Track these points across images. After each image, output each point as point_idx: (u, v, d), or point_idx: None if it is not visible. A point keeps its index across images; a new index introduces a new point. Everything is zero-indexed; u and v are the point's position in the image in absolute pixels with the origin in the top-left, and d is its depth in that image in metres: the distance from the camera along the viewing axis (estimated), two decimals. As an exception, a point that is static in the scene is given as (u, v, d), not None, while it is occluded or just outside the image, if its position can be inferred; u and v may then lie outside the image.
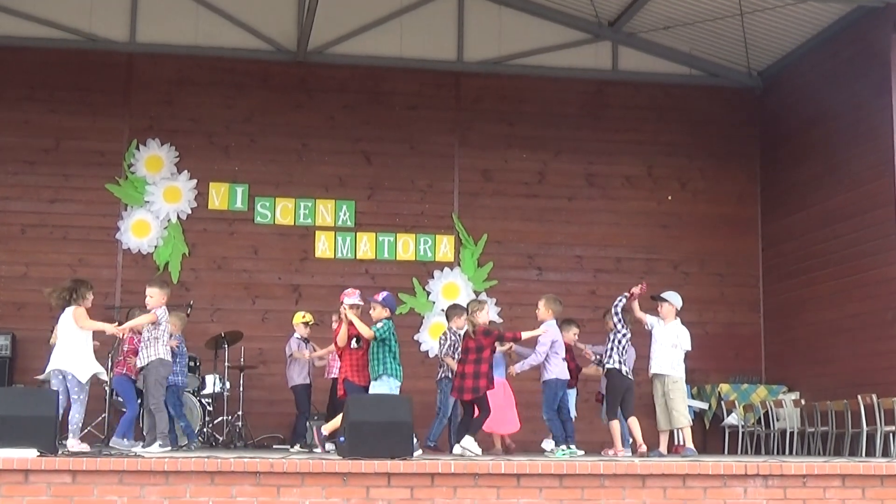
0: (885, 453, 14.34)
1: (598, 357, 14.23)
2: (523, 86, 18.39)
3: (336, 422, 12.24)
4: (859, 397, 14.62)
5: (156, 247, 17.20)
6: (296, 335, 14.81)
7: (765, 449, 16.56)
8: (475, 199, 18.05)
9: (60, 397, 11.48)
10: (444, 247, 17.84)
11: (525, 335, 13.01)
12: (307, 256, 17.54)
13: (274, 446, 15.45)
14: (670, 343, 13.25)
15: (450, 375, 13.87)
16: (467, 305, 13.39)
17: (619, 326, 13.23)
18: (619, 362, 13.14)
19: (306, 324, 14.69)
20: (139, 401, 13.83)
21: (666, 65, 18.66)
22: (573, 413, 13.84)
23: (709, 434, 17.52)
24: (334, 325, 13.75)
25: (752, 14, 16.64)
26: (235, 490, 9.55)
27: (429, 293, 17.66)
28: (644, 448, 12.99)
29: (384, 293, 12.60)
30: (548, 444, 13.59)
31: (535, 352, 13.14)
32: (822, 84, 16.97)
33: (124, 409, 13.54)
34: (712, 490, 10.09)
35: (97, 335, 12.30)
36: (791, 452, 15.79)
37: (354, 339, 12.53)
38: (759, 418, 16.68)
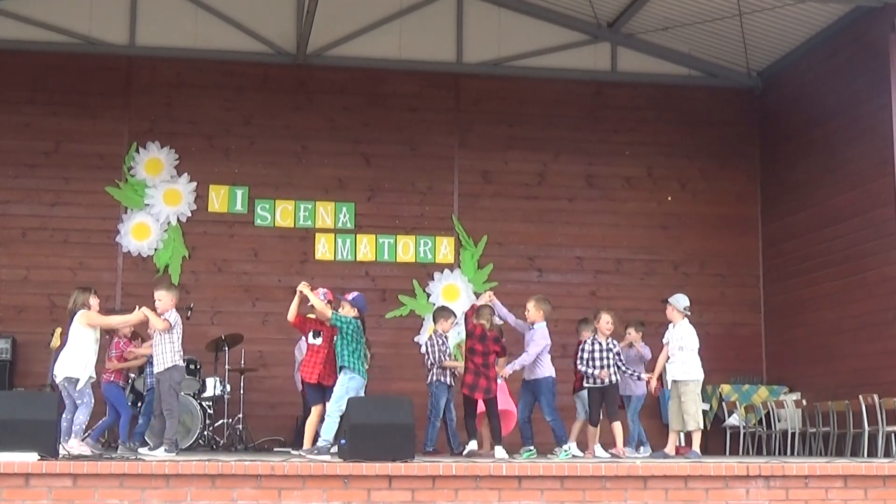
0: (888, 453, 14.33)
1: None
2: (523, 87, 18.39)
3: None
4: (861, 397, 14.61)
5: (156, 249, 17.19)
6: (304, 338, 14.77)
7: (766, 450, 16.54)
8: (475, 200, 18.05)
9: (66, 402, 11.56)
10: (445, 248, 17.83)
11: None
12: (307, 259, 17.53)
13: (275, 449, 15.44)
14: (677, 346, 13.22)
15: (442, 379, 13.93)
16: (479, 311, 13.37)
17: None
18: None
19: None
20: (138, 404, 13.88)
21: (665, 65, 18.66)
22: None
23: (710, 435, 17.45)
24: None
25: (751, 14, 16.64)
26: (236, 493, 9.56)
27: (429, 295, 17.65)
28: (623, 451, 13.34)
29: (355, 293, 12.66)
30: (570, 447, 13.63)
31: (525, 352, 13.20)
32: (822, 84, 16.97)
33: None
34: (714, 491, 10.10)
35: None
36: (793, 453, 15.78)
37: (312, 333, 12.70)
38: (761, 419, 16.67)
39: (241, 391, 15.78)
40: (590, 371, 13.37)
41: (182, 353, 12.15)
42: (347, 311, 12.42)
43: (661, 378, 13.80)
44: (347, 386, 12.06)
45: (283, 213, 17.55)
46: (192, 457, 11.23)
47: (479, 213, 18.00)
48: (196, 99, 17.65)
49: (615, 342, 13.62)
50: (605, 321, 13.59)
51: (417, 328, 17.50)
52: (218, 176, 17.52)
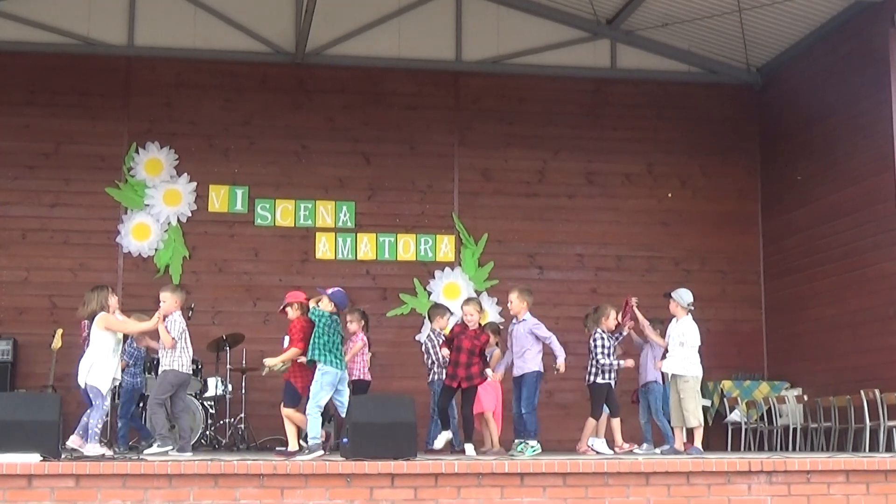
0: (889, 448, 14.32)
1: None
2: (522, 85, 18.39)
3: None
4: (862, 392, 14.61)
5: (156, 250, 17.20)
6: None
7: (768, 445, 16.55)
8: (475, 198, 18.05)
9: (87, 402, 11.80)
10: (445, 247, 17.84)
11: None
12: (308, 258, 17.54)
13: (277, 448, 15.44)
14: (677, 341, 13.21)
15: (443, 377, 13.92)
16: (467, 303, 13.37)
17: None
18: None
19: None
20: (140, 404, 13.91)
21: (665, 62, 18.66)
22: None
23: (712, 431, 17.43)
24: (350, 327, 13.74)
25: (751, 10, 16.65)
26: (239, 493, 9.56)
27: (430, 293, 17.65)
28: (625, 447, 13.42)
29: (335, 288, 12.55)
30: (593, 441, 13.65)
31: (552, 340, 13.14)
32: (821, 80, 16.97)
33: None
34: (716, 487, 10.11)
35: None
36: (794, 448, 15.79)
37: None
38: (762, 415, 16.68)
39: (243, 391, 15.80)
40: (606, 363, 13.33)
41: (183, 360, 12.14)
42: (325, 305, 12.26)
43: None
44: (321, 381, 11.95)
45: (283, 213, 17.55)
46: (194, 457, 11.23)
47: (479, 211, 18.00)
48: (195, 99, 17.66)
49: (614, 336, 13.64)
50: (613, 316, 13.60)
51: (418, 326, 17.50)
52: (218, 176, 17.52)
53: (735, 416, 16.98)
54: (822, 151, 16.86)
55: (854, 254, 15.98)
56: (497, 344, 14.18)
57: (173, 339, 12.01)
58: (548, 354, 13.31)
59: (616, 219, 18.29)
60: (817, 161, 17.00)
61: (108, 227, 17.17)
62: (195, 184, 17.42)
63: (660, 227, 18.36)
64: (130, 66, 17.63)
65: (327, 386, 11.94)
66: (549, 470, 9.94)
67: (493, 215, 18.00)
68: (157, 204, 17.30)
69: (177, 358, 12.07)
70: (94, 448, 11.37)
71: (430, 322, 14.48)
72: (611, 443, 13.81)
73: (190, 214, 17.38)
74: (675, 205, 18.46)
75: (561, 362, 13.04)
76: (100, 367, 11.71)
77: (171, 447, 11.68)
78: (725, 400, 17.18)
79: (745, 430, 16.89)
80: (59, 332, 15.02)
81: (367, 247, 17.64)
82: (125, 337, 12.46)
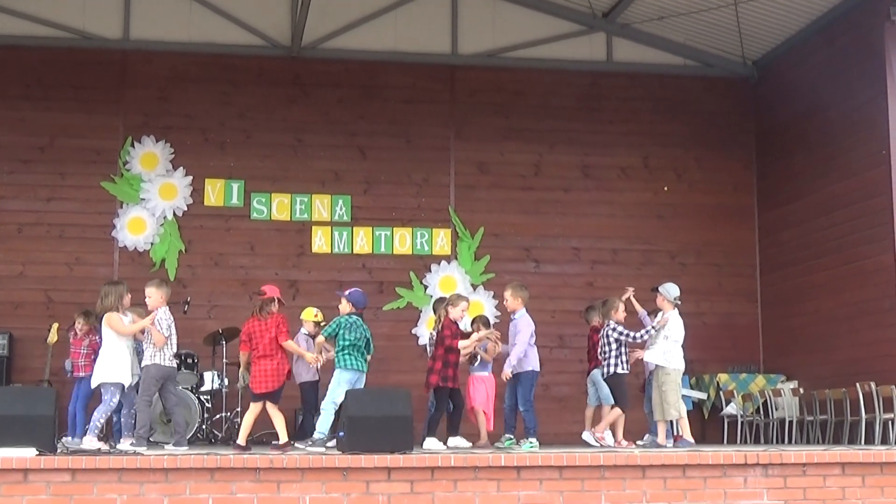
0: (885, 441, 14.34)
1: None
2: (518, 78, 18.38)
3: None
4: (858, 385, 14.63)
5: (152, 244, 17.18)
6: (303, 331, 14.74)
7: (764, 438, 16.56)
8: (471, 192, 18.04)
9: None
10: (441, 240, 17.83)
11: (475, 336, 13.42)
12: (304, 252, 17.53)
13: (273, 442, 15.41)
14: (662, 334, 13.27)
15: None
16: (448, 298, 13.45)
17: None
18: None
19: (318, 323, 14.52)
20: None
21: (660, 55, 18.65)
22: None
23: (707, 424, 17.52)
24: None
25: (746, 3, 16.64)
26: (235, 486, 9.56)
27: (426, 287, 17.65)
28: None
29: (352, 289, 12.70)
30: (586, 435, 13.70)
31: (515, 343, 13.14)
32: (817, 73, 16.97)
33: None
34: (712, 480, 10.12)
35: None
36: (790, 441, 15.79)
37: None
38: (758, 408, 16.69)
39: (239, 385, 15.76)
40: (618, 357, 13.34)
41: (165, 353, 12.12)
42: (344, 307, 12.49)
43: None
44: (340, 379, 12.16)
45: (279, 207, 17.53)
46: (190, 450, 11.22)
47: (475, 205, 17.99)
48: (191, 92, 17.63)
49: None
50: (622, 308, 13.63)
51: (415, 320, 17.51)
52: (214, 169, 17.50)
53: (731, 409, 17.00)
54: (818, 145, 16.86)
55: (850, 247, 15.98)
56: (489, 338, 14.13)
57: (165, 337, 12.01)
58: (541, 347, 13.36)
59: (612, 212, 18.29)
60: (813, 154, 17.00)
61: (104, 221, 17.15)
62: (191, 177, 17.41)
63: (656, 220, 18.37)
64: (126, 59, 17.59)
65: (345, 383, 12.09)
66: (546, 463, 9.94)
67: (490, 209, 17.99)
68: (152, 198, 17.28)
69: (158, 351, 12.06)
70: (90, 441, 11.39)
71: (436, 315, 14.15)
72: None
73: (186, 208, 17.36)
74: (670, 198, 18.46)
75: (508, 371, 13.12)
76: (109, 364, 11.76)
77: (144, 447, 11.58)
78: (721, 393, 17.19)
79: (742, 423, 16.90)
80: (55, 326, 15.02)
81: (363, 240, 17.63)
82: None
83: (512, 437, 13.00)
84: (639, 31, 18.35)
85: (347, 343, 12.34)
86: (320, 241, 17.55)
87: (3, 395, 10.92)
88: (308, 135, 17.77)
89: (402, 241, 17.73)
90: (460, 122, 18.17)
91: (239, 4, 17.72)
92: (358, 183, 17.79)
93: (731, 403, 17.01)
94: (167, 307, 12.27)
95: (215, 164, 17.51)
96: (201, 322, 16.28)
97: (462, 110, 18.19)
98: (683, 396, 14.10)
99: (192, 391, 15.24)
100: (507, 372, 13.14)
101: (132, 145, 17.33)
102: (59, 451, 10.32)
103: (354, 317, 12.50)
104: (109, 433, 13.76)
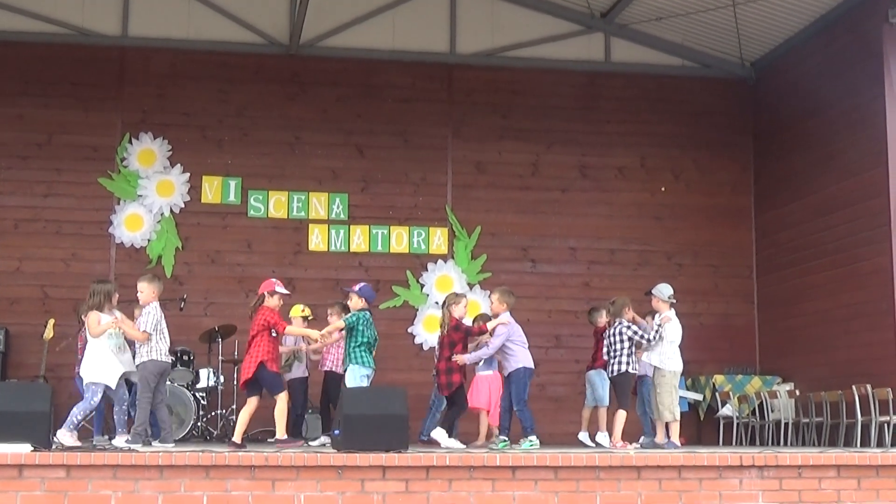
0: (880, 443, 14.35)
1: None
2: (516, 78, 18.37)
3: (243, 423, 12.34)
4: (854, 388, 14.63)
5: (149, 241, 17.17)
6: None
7: (759, 440, 16.56)
8: (468, 191, 18.04)
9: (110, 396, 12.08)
10: (438, 239, 17.82)
11: (490, 325, 13.16)
12: (301, 250, 17.52)
13: (268, 440, 15.42)
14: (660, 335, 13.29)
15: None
16: (445, 299, 13.45)
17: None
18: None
19: (306, 318, 14.57)
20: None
21: (658, 56, 18.65)
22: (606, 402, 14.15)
23: (703, 425, 17.53)
24: (330, 320, 13.79)
25: (745, 4, 16.64)
26: (230, 484, 9.55)
27: (423, 286, 17.64)
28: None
29: (361, 284, 12.75)
30: (583, 435, 13.67)
31: (487, 345, 13.12)
32: (815, 74, 16.97)
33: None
34: (708, 482, 10.11)
35: None
36: (786, 443, 15.80)
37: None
38: (754, 409, 16.68)
39: (235, 382, 15.76)
40: (629, 355, 13.35)
41: (161, 348, 12.13)
42: (356, 303, 12.54)
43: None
44: (356, 374, 12.28)
45: (276, 204, 17.53)
46: (185, 448, 11.21)
47: (472, 204, 17.99)
48: (189, 90, 17.62)
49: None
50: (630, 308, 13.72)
51: (411, 319, 17.50)
52: (211, 167, 17.49)
53: (727, 410, 17.00)
54: (816, 146, 16.86)
55: (847, 248, 15.98)
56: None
57: (146, 332, 12.00)
58: (537, 347, 13.35)
59: (609, 212, 18.28)
60: (811, 155, 17.00)
61: (101, 217, 17.14)
62: (188, 175, 17.39)
63: (653, 220, 18.36)
64: (124, 56, 17.58)
65: (364, 379, 12.22)
66: (541, 463, 9.94)
67: (487, 208, 17.99)
68: (150, 195, 17.27)
69: (154, 347, 12.05)
70: (64, 436, 11.39)
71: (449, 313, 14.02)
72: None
73: (183, 205, 17.35)
74: (668, 198, 18.46)
75: (466, 357, 13.11)
76: (89, 363, 11.79)
77: (139, 445, 11.58)
78: (717, 394, 17.19)
79: (737, 424, 16.90)
80: (51, 322, 15.00)
81: (359, 239, 17.63)
82: None
83: (506, 438, 12.99)
84: (637, 31, 18.35)
85: (365, 340, 12.44)
86: (317, 240, 17.54)
87: (-2, 391, 10.91)
88: (306, 133, 17.76)
89: (399, 239, 17.72)
90: (458, 121, 18.16)
91: (237, 2, 17.71)
92: (355, 181, 17.78)
93: (727, 405, 17.00)
94: (158, 303, 12.28)
95: (213, 162, 17.50)
96: (197, 319, 16.29)
97: (460, 110, 18.19)
98: (679, 398, 14.10)
99: (187, 388, 15.23)
100: (464, 358, 13.11)
101: (130, 142, 17.32)
102: (54, 447, 10.32)
103: (368, 313, 12.55)
104: (108, 429, 13.74)
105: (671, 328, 13.26)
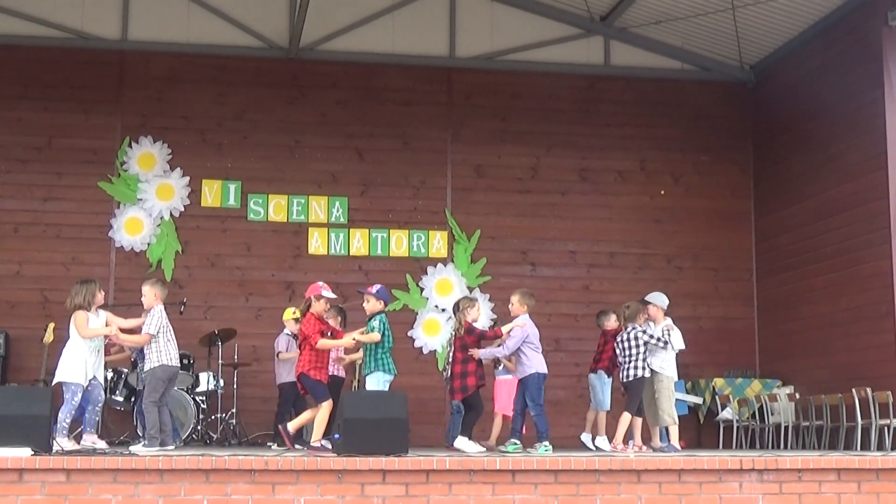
0: (881, 447, 14.33)
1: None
2: (515, 81, 18.37)
3: (302, 419, 12.27)
4: (854, 391, 14.62)
5: (149, 244, 17.17)
6: (286, 331, 14.80)
7: (759, 443, 16.55)
8: (468, 194, 18.04)
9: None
10: (438, 243, 17.82)
11: (505, 328, 13.10)
12: (300, 253, 17.52)
13: (268, 444, 15.43)
14: (662, 341, 13.30)
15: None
16: (458, 303, 13.43)
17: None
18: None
19: (297, 320, 14.54)
20: (131, 399, 13.88)
21: (658, 59, 18.65)
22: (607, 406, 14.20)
23: (703, 429, 17.52)
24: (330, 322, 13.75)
25: (744, 8, 16.65)
26: (230, 488, 9.55)
27: (422, 289, 17.64)
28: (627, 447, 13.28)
29: (378, 286, 12.64)
30: (585, 436, 13.67)
31: (503, 345, 13.10)
32: (815, 77, 16.97)
33: (119, 409, 13.55)
34: (707, 485, 10.11)
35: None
36: (786, 447, 15.79)
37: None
38: (754, 412, 16.67)
39: (235, 386, 15.78)
40: (644, 360, 13.33)
41: (170, 352, 12.11)
42: (374, 305, 12.37)
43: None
44: (380, 380, 12.15)
45: (276, 208, 17.53)
46: (185, 452, 11.21)
47: (472, 208, 17.99)
48: (189, 93, 17.62)
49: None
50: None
51: (411, 322, 17.49)
52: (211, 170, 17.49)
53: (727, 413, 16.98)
54: (816, 149, 16.86)
55: (847, 252, 15.98)
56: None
57: (147, 334, 11.99)
58: (549, 351, 13.37)
59: (609, 216, 18.28)
60: (810, 158, 17.00)
61: (101, 221, 17.14)
62: (188, 178, 17.39)
63: (652, 224, 18.36)
64: (124, 60, 17.59)
65: (385, 385, 12.13)
66: (541, 467, 9.94)
67: (486, 211, 17.98)
68: (149, 198, 17.27)
69: (163, 352, 12.03)
70: (63, 442, 11.37)
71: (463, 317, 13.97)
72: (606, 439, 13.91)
73: (182, 209, 17.35)
74: (667, 202, 18.46)
75: (480, 353, 13.14)
76: (66, 363, 11.79)
77: (156, 448, 11.61)
78: (717, 397, 17.18)
79: (737, 427, 16.88)
80: (51, 325, 14.98)
81: (359, 242, 17.62)
82: None
83: (517, 442, 12.93)
84: (636, 34, 18.35)
85: (390, 346, 12.29)
86: (317, 243, 17.54)
87: (-2, 395, 10.91)
88: (305, 136, 17.77)
89: (399, 243, 17.72)
90: (457, 124, 18.17)
91: (237, 6, 17.72)
92: (355, 185, 17.79)
93: (727, 408, 16.99)
94: (162, 306, 12.27)
95: (212, 165, 17.50)
96: (197, 323, 16.28)
97: (459, 113, 18.19)
98: (678, 401, 14.13)
99: (187, 392, 15.24)
100: (478, 352, 13.13)
101: (129, 146, 17.32)
102: (54, 451, 10.32)
103: (385, 315, 12.47)
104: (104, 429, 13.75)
105: (676, 335, 13.32)
